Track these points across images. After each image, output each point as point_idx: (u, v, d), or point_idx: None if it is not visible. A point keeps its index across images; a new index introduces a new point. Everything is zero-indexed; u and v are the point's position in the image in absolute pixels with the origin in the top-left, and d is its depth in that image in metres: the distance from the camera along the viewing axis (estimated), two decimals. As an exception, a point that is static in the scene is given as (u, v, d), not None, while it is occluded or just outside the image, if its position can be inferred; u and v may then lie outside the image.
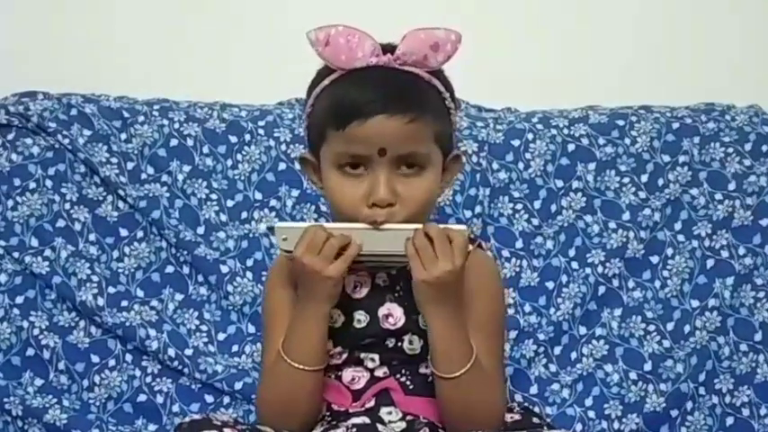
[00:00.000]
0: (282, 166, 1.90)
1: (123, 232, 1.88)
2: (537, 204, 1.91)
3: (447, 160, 1.62)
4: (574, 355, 1.88)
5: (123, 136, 1.90)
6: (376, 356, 1.61)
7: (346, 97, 1.56)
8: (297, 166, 1.89)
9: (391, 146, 1.55)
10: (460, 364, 1.55)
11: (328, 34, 1.57)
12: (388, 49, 1.59)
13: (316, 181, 1.65)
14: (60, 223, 1.87)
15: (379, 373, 1.61)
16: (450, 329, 1.56)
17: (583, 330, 1.88)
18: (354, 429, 1.56)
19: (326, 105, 1.59)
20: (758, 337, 1.88)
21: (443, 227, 1.56)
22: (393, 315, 1.61)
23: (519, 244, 1.90)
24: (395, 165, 1.57)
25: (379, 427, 1.56)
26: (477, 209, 1.89)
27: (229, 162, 1.91)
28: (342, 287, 1.58)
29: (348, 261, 1.55)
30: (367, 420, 1.57)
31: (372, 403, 1.60)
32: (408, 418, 1.59)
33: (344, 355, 1.62)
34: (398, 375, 1.61)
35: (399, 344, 1.61)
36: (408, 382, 1.61)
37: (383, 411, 1.59)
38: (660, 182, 1.92)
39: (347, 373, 1.62)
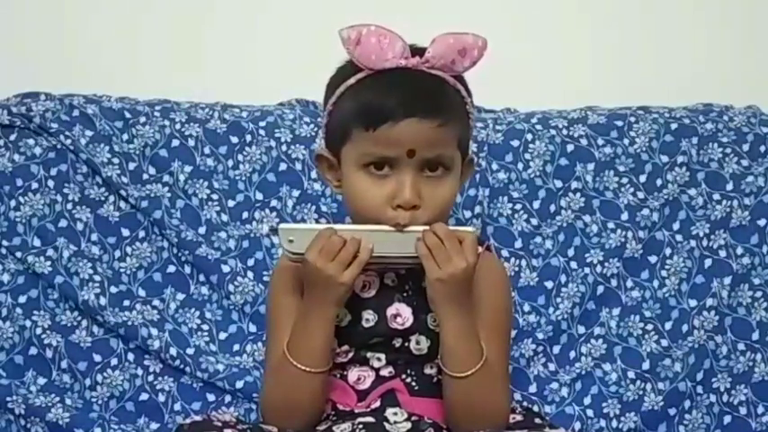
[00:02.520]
0: (283, 166, 1.91)
1: (125, 232, 1.89)
2: (536, 204, 1.92)
3: (463, 164, 1.63)
4: (572, 354, 1.89)
5: (125, 136, 1.91)
6: (382, 356, 1.61)
7: (377, 98, 1.56)
8: (298, 166, 1.90)
9: (420, 149, 1.56)
10: (471, 363, 1.56)
11: (360, 33, 1.57)
12: (416, 51, 1.59)
13: (330, 179, 1.65)
14: (62, 223, 1.87)
15: (385, 372, 1.62)
16: (463, 329, 1.56)
17: (581, 330, 1.89)
18: (361, 426, 1.56)
19: (354, 105, 1.58)
20: (755, 336, 1.89)
21: (451, 228, 1.57)
22: (401, 315, 1.61)
23: (518, 244, 1.91)
24: (420, 168, 1.57)
25: (386, 426, 1.57)
26: (477, 209, 1.90)
27: (230, 162, 1.91)
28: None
29: (361, 266, 1.56)
30: (372, 420, 1.58)
31: (378, 404, 1.60)
32: (413, 418, 1.59)
33: (350, 354, 1.62)
34: (404, 375, 1.62)
35: (406, 344, 1.61)
36: (414, 383, 1.61)
37: (389, 412, 1.59)
38: (659, 182, 1.93)
39: (353, 373, 1.62)
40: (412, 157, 1.56)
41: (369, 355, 1.62)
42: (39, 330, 1.84)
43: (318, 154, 1.66)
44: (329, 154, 1.63)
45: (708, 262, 1.91)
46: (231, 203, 1.91)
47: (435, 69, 1.59)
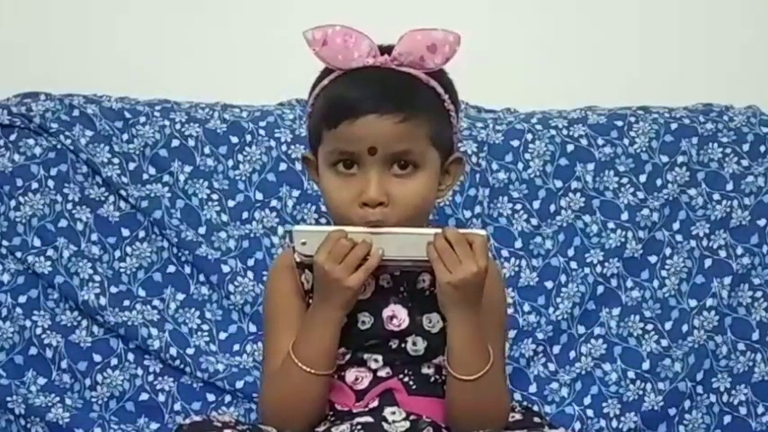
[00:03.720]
0: (283, 166, 1.91)
1: (125, 232, 1.89)
2: (536, 204, 1.92)
3: (447, 163, 1.62)
4: (572, 354, 1.89)
5: (125, 136, 1.91)
6: (379, 357, 1.61)
7: (338, 96, 1.57)
8: (298, 166, 1.90)
9: (382, 145, 1.55)
10: (479, 366, 1.56)
11: (325, 34, 1.57)
12: (385, 49, 1.59)
13: (317, 181, 1.65)
14: (62, 223, 1.87)
15: (382, 373, 1.62)
16: (472, 332, 1.56)
17: (581, 329, 1.89)
18: (359, 426, 1.56)
19: (322, 105, 1.59)
20: (755, 336, 1.89)
21: (462, 231, 1.56)
22: (397, 316, 1.61)
23: (518, 244, 1.91)
24: (387, 164, 1.57)
25: (384, 425, 1.57)
26: (477, 209, 1.90)
27: (230, 162, 1.91)
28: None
29: (369, 272, 1.55)
30: (371, 420, 1.58)
31: (376, 403, 1.60)
32: (412, 417, 1.59)
33: (347, 356, 1.62)
34: (401, 376, 1.61)
35: (403, 345, 1.61)
36: (411, 383, 1.61)
37: (387, 411, 1.59)
38: (658, 182, 1.93)
39: (350, 374, 1.62)
40: (374, 153, 1.55)
41: (366, 356, 1.62)
42: (39, 330, 1.84)
43: (304, 156, 1.67)
44: (312, 155, 1.64)
45: (708, 262, 1.91)
46: (231, 203, 1.91)
47: (405, 66, 1.58)
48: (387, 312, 1.61)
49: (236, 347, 1.87)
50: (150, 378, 1.85)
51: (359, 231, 1.56)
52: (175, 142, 1.91)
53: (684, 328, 1.89)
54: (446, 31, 1.58)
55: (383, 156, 1.56)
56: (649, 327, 1.89)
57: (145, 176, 1.90)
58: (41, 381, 1.83)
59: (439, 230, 1.55)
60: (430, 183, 1.60)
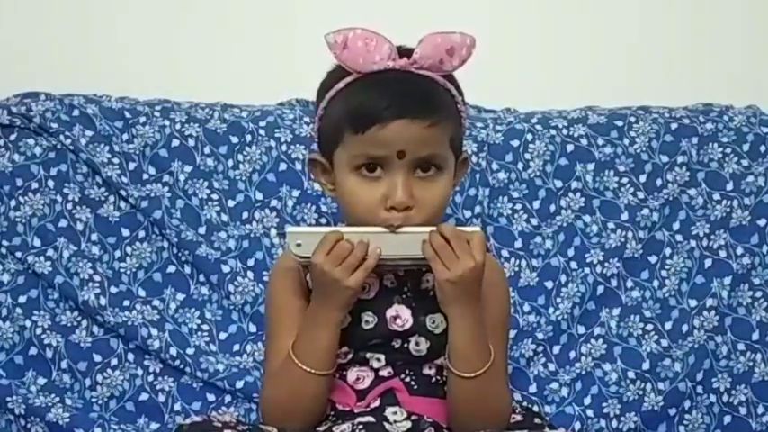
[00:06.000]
0: (283, 166, 1.91)
1: (125, 232, 1.89)
2: (536, 204, 1.92)
3: (457, 163, 1.63)
4: (572, 354, 1.89)
5: (125, 136, 1.91)
6: (381, 356, 1.62)
7: (366, 101, 1.56)
8: (298, 166, 1.90)
9: (411, 149, 1.56)
10: (480, 364, 1.56)
11: (346, 37, 1.57)
12: (404, 52, 1.59)
13: (325, 183, 1.65)
14: (62, 223, 1.87)
15: (384, 372, 1.62)
16: (473, 329, 1.56)
17: (581, 330, 1.89)
18: (361, 426, 1.56)
19: (344, 109, 1.58)
20: (755, 336, 1.89)
21: (458, 229, 1.57)
22: (401, 316, 1.61)
23: (518, 244, 1.91)
24: (412, 168, 1.57)
25: (386, 425, 1.57)
26: (477, 209, 1.90)
27: (230, 162, 1.91)
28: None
29: (367, 272, 1.55)
30: (372, 419, 1.58)
31: (377, 403, 1.61)
32: (413, 417, 1.59)
33: (350, 355, 1.62)
34: (403, 375, 1.62)
35: (406, 345, 1.61)
36: (413, 383, 1.62)
37: (388, 411, 1.59)
38: (659, 182, 1.93)
39: (352, 373, 1.62)
40: (402, 158, 1.56)
41: (368, 355, 1.62)
42: (39, 330, 1.84)
43: (311, 158, 1.66)
44: (322, 158, 1.64)
45: (708, 262, 1.91)
46: (231, 203, 1.91)
47: (424, 70, 1.58)
48: (390, 312, 1.61)
49: (236, 347, 1.87)
50: (150, 378, 1.85)
51: (355, 231, 1.57)
52: (175, 142, 1.91)
53: (684, 328, 1.89)
54: (463, 34, 1.59)
55: (410, 160, 1.56)
56: (649, 327, 1.89)
57: (145, 176, 1.90)
58: (41, 381, 1.83)
59: (434, 228, 1.56)
60: (450, 184, 1.61)
